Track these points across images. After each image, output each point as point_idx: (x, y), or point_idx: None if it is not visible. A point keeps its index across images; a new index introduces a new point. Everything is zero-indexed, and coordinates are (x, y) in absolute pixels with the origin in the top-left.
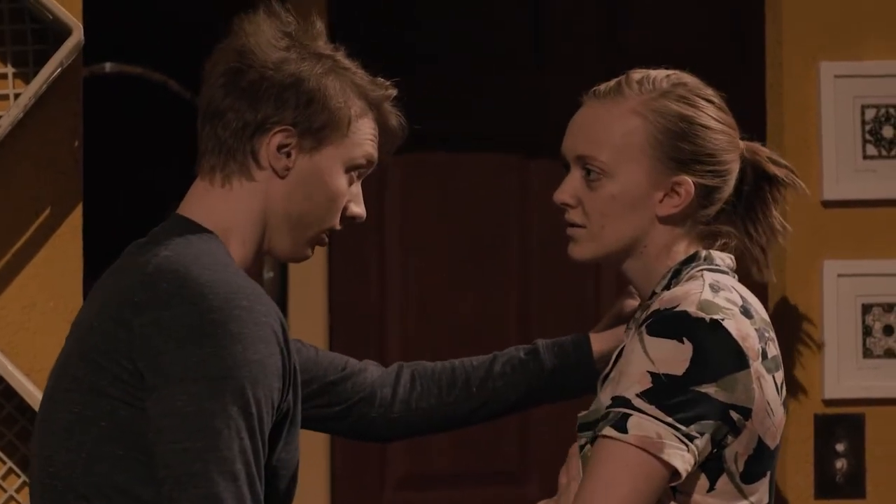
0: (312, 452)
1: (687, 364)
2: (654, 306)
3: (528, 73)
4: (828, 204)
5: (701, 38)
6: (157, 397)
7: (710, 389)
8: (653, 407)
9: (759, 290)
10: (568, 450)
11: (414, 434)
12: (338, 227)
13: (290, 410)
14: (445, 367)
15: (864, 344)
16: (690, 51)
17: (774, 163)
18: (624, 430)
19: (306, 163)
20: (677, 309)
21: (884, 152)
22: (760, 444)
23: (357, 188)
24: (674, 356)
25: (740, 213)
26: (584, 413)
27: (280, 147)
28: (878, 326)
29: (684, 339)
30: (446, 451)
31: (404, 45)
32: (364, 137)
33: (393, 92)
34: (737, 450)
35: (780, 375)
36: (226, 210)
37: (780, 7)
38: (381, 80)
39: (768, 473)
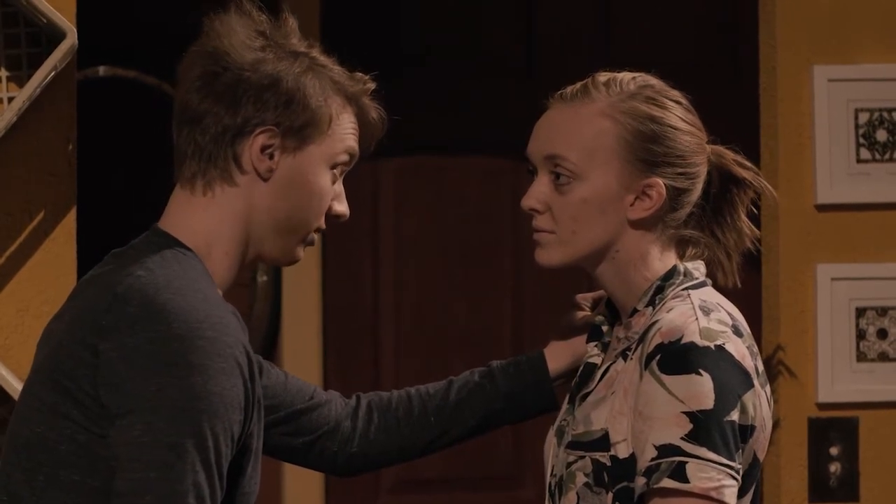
0: None
1: (713, 396)
2: (656, 340)
3: (521, 78)
4: (821, 208)
5: (695, 44)
6: (118, 426)
7: (735, 416)
8: (703, 449)
9: (754, 294)
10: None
11: (375, 467)
12: (323, 226)
13: (253, 442)
14: (402, 396)
15: (858, 347)
16: (684, 56)
17: (740, 165)
18: (685, 480)
19: (290, 163)
20: (683, 341)
21: (877, 156)
22: (754, 459)
23: (340, 187)
24: (699, 391)
25: (708, 217)
26: (578, 432)
27: (263, 148)
28: (871, 330)
29: (701, 370)
30: (441, 454)
31: (398, 50)
32: (345, 133)
33: (371, 86)
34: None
35: (768, 389)
36: (207, 220)
37: (773, 11)
38: (358, 74)
39: (755, 484)
